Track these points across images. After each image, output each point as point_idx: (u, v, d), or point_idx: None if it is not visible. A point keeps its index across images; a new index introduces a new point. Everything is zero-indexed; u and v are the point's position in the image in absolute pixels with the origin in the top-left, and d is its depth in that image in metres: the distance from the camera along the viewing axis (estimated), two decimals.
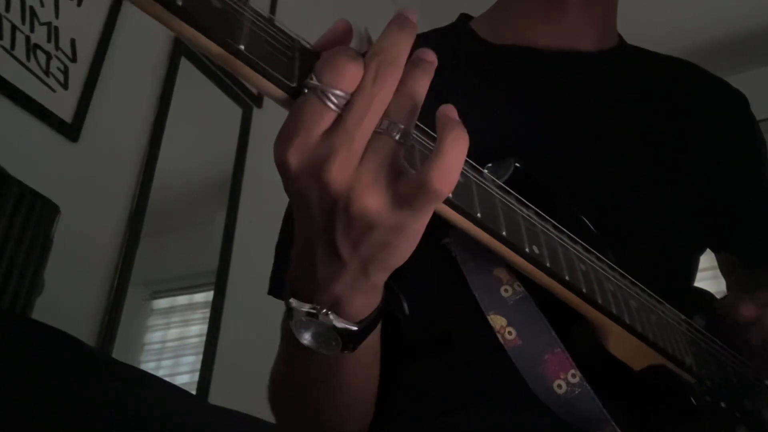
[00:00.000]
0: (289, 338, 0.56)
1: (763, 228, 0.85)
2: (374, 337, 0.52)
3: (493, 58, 0.80)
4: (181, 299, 1.69)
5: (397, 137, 0.42)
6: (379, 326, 0.52)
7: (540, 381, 0.57)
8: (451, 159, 0.40)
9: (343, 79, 0.40)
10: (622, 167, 0.74)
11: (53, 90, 1.33)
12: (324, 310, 0.46)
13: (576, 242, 0.57)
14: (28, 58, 1.29)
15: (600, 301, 0.55)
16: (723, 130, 0.83)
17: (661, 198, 0.74)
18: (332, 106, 0.40)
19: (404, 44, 0.42)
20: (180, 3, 0.37)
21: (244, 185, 1.77)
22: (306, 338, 0.48)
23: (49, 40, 1.34)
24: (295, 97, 0.42)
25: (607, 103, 0.78)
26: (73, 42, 1.39)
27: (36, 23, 1.31)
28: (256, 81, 0.41)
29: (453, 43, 0.82)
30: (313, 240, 0.45)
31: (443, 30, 0.86)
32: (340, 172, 0.40)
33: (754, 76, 2.57)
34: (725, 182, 0.81)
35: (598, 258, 0.58)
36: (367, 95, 0.41)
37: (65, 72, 1.36)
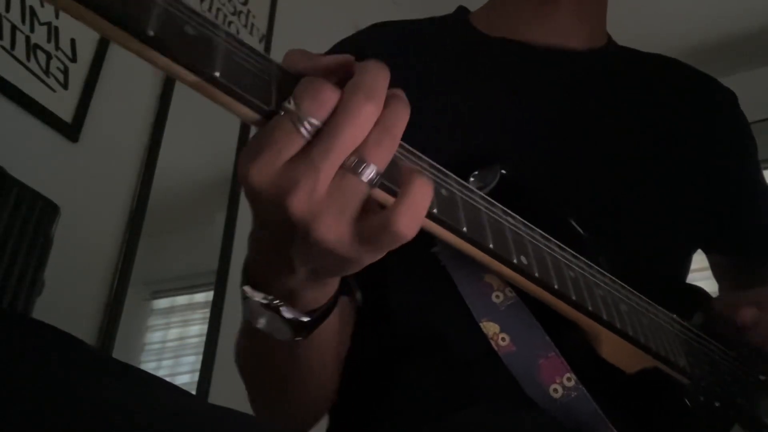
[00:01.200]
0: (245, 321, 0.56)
1: (755, 228, 0.85)
2: (330, 322, 0.52)
3: (485, 50, 0.80)
4: (181, 299, 1.69)
5: (365, 179, 0.40)
6: (335, 311, 0.52)
7: (536, 386, 0.58)
8: (417, 204, 0.40)
9: (321, 107, 0.39)
10: (613, 167, 0.74)
11: (53, 90, 1.33)
12: (276, 301, 0.47)
13: (564, 249, 0.57)
14: (28, 58, 1.29)
15: (590, 308, 0.55)
16: (713, 129, 0.83)
17: (653, 197, 0.74)
18: (304, 132, 0.39)
19: (384, 81, 0.41)
20: (151, 33, 0.36)
21: None
22: (260, 323, 0.48)
23: (49, 40, 1.34)
24: (269, 118, 0.40)
25: (598, 102, 0.78)
26: (73, 42, 1.39)
27: (36, 23, 1.31)
28: (232, 106, 0.40)
29: (447, 32, 0.83)
30: (268, 244, 0.46)
31: (439, 19, 0.86)
32: (301, 202, 0.39)
33: (754, 77, 2.58)
34: (715, 180, 0.81)
35: (587, 264, 0.58)
36: (338, 127, 0.39)
37: (65, 72, 1.36)
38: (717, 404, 0.62)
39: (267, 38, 1.97)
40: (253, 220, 0.47)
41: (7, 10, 1.26)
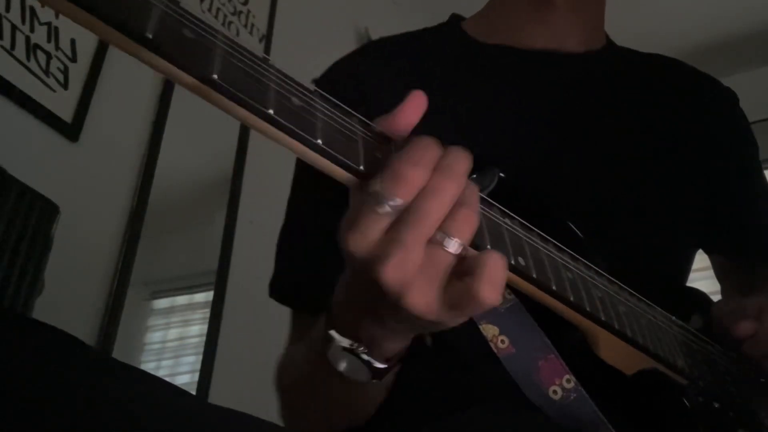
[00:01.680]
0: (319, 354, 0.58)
1: (754, 229, 0.85)
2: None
3: (480, 57, 0.80)
4: (181, 299, 1.69)
5: (451, 250, 0.43)
6: None
7: (535, 388, 0.58)
8: (496, 270, 0.43)
9: (404, 189, 0.42)
10: (611, 168, 0.74)
11: (53, 90, 1.33)
12: (360, 348, 0.50)
13: (562, 251, 0.57)
14: (28, 58, 1.29)
15: (588, 309, 0.55)
16: (713, 129, 0.82)
17: (652, 198, 0.74)
18: (392, 211, 0.42)
19: (465, 163, 0.45)
20: (150, 35, 0.37)
21: (244, 185, 1.77)
22: (341, 366, 0.52)
23: (49, 40, 1.34)
24: (358, 177, 0.44)
25: (595, 104, 0.78)
26: (73, 42, 1.39)
27: (36, 23, 1.31)
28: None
29: (441, 41, 0.83)
30: (360, 299, 0.48)
31: (433, 29, 0.86)
32: (393, 273, 0.42)
33: (754, 77, 2.58)
34: (716, 181, 0.80)
35: (585, 265, 0.58)
36: (425, 209, 0.42)
37: (65, 72, 1.36)
38: (716, 405, 0.62)
39: (267, 38, 1.97)
40: (348, 276, 0.50)
41: (7, 10, 1.26)
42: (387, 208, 0.42)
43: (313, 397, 0.64)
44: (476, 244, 0.48)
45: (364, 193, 0.43)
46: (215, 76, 0.39)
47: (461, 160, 0.44)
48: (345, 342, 0.50)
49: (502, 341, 0.57)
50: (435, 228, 0.43)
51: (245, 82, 0.40)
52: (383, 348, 0.51)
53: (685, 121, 0.81)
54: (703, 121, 0.82)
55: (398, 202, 0.42)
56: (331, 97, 0.45)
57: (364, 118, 0.47)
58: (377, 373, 0.52)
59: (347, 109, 0.46)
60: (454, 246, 0.43)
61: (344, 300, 0.51)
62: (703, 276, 0.94)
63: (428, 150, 0.44)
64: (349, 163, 0.43)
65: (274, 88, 0.42)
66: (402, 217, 0.42)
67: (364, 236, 0.43)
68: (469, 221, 0.44)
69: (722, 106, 0.86)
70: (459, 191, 0.44)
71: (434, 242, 0.43)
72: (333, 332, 0.51)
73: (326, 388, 0.60)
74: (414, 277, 0.42)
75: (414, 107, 0.48)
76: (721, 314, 0.68)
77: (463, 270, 0.44)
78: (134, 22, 0.36)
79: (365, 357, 0.50)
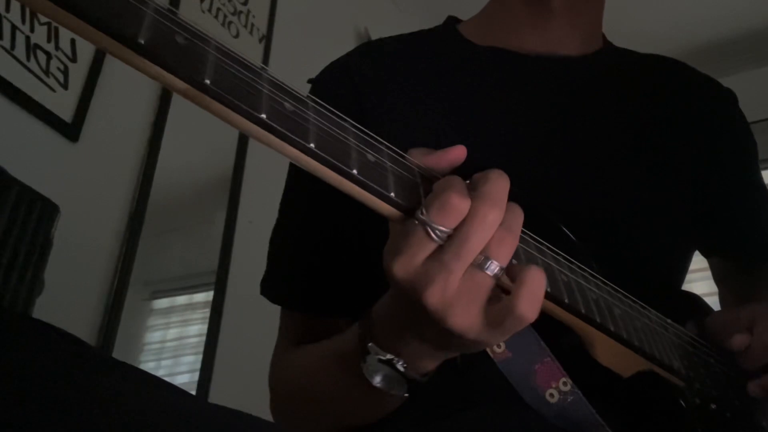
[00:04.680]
0: (342, 367, 0.59)
1: (754, 230, 0.84)
2: None
3: (475, 59, 0.79)
4: (181, 299, 1.69)
5: (491, 273, 0.45)
6: None
7: (532, 391, 0.58)
8: (535, 290, 0.45)
9: (450, 217, 0.44)
10: (607, 171, 0.73)
11: (53, 90, 1.33)
12: (401, 362, 0.52)
13: (557, 254, 0.57)
14: (28, 58, 1.29)
15: (583, 311, 0.55)
16: (713, 130, 0.82)
17: (649, 201, 0.73)
18: (436, 238, 0.44)
19: (505, 189, 0.46)
20: (142, 41, 0.37)
21: (244, 185, 1.77)
22: (377, 380, 0.53)
23: (49, 40, 1.34)
24: (400, 209, 0.46)
25: (591, 107, 0.77)
26: (73, 42, 1.39)
27: (36, 23, 1.32)
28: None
29: (437, 43, 0.82)
30: (404, 317, 0.50)
31: (428, 32, 0.86)
32: (436, 297, 0.44)
33: (754, 77, 2.58)
34: (716, 182, 0.80)
35: (579, 268, 0.58)
36: (469, 234, 0.44)
37: (65, 72, 1.36)
38: (713, 407, 0.62)
39: (267, 38, 1.97)
40: (392, 296, 0.52)
41: (7, 10, 1.26)
42: (434, 237, 0.44)
43: (320, 411, 0.65)
44: None
45: (410, 222, 0.45)
46: (208, 81, 0.39)
47: (501, 186, 0.46)
48: (385, 355, 0.52)
49: (498, 346, 0.58)
50: (477, 253, 0.45)
51: (238, 87, 0.40)
52: (421, 364, 0.52)
53: (683, 121, 0.81)
54: (702, 121, 0.82)
55: (442, 229, 0.44)
56: (323, 103, 0.46)
57: (358, 125, 0.47)
58: (411, 387, 0.53)
59: (340, 114, 0.46)
60: (492, 268, 0.45)
61: (386, 315, 0.52)
62: (700, 277, 0.94)
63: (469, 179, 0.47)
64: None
65: (267, 93, 0.42)
66: (445, 244, 0.44)
67: (410, 263, 0.44)
68: (509, 244, 0.46)
69: (721, 106, 0.86)
70: (501, 216, 0.45)
71: (474, 264, 0.45)
72: (372, 345, 0.52)
73: (342, 402, 0.61)
74: (455, 299, 0.44)
75: (454, 158, 0.50)
76: (716, 326, 0.69)
77: (502, 288, 0.46)
78: (126, 29, 0.37)
79: (402, 369, 0.52)
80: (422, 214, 0.44)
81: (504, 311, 0.45)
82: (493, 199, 0.45)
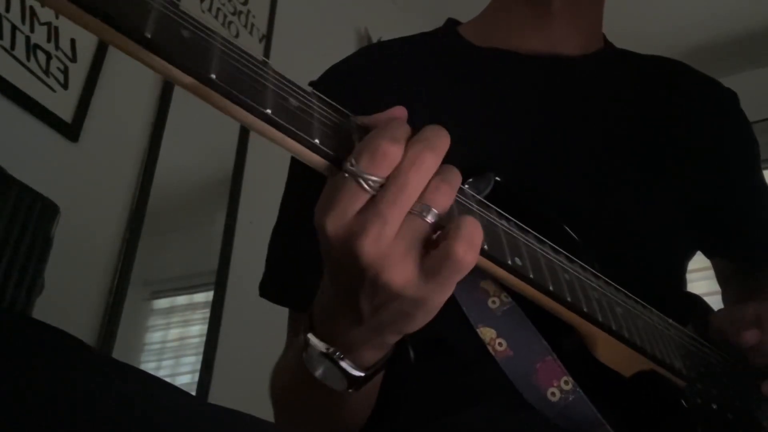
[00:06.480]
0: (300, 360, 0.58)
1: (757, 231, 0.84)
2: (376, 378, 0.54)
3: (476, 60, 0.79)
4: (181, 299, 1.69)
5: (429, 220, 0.43)
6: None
7: (533, 390, 0.58)
8: (471, 233, 0.43)
9: (381, 165, 0.42)
10: (608, 170, 0.73)
11: (53, 90, 1.33)
12: (337, 353, 0.49)
13: (559, 252, 0.57)
14: (28, 58, 1.29)
15: (585, 309, 0.55)
16: (714, 130, 0.82)
17: (652, 201, 0.73)
18: (368, 189, 0.42)
19: (442, 138, 0.44)
20: (149, 35, 0.37)
21: (244, 185, 1.77)
22: (318, 372, 0.51)
23: (49, 40, 1.34)
24: (329, 160, 0.44)
25: (592, 107, 0.77)
26: (73, 42, 1.39)
27: (36, 23, 1.32)
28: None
29: (437, 45, 0.82)
30: (338, 294, 0.48)
31: (428, 34, 0.86)
32: (371, 247, 0.42)
33: (754, 77, 2.58)
34: (718, 183, 0.80)
35: (582, 267, 0.58)
36: (403, 181, 0.42)
37: (65, 72, 1.36)
38: (714, 407, 0.62)
39: (267, 38, 1.97)
40: (325, 272, 0.49)
41: (7, 10, 1.26)
42: (366, 187, 0.42)
43: (299, 406, 0.64)
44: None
45: (340, 175, 0.43)
46: (213, 76, 0.39)
47: (439, 134, 0.44)
48: (322, 346, 0.50)
49: (500, 344, 0.57)
50: (414, 200, 0.43)
51: (243, 82, 0.41)
52: (361, 355, 0.50)
53: (685, 122, 0.81)
54: (703, 121, 0.82)
55: (374, 178, 0.42)
56: (327, 99, 0.46)
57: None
58: (354, 382, 0.51)
59: (343, 110, 0.46)
60: (429, 216, 0.43)
61: (323, 302, 0.50)
62: (701, 277, 0.94)
63: (401, 126, 0.44)
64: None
65: (272, 88, 0.42)
66: (380, 192, 0.42)
67: (343, 216, 0.42)
68: (445, 191, 0.44)
69: (722, 106, 0.86)
70: (437, 163, 0.44)
71: (411, 212, 0.43)
72: (311, 335, 0.50)
73: (307, 395, 0.59)
74: (392, 249, 0.42)
75: (392, 117, 0.47)
76: (721, 324, 0.68)
77: (439, 240, 0.44)
78: (133, 23, 0.37)
79: (342, 364, 0.50)
80: (351, 165, 0.42)
81: (440, 257, 0.42)
82: (430, 146, 0.43)
